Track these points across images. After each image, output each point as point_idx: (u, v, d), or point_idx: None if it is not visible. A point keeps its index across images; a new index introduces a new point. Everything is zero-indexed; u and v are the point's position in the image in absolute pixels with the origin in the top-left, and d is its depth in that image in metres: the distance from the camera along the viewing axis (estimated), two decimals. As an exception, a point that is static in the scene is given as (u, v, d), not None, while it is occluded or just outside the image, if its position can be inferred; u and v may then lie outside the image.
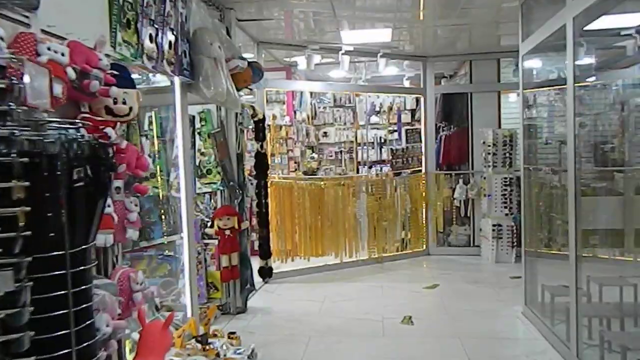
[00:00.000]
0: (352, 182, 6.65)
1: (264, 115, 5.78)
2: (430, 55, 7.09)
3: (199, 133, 4.58)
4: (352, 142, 8.47)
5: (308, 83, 6.41)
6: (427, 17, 5.38)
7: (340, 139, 9.39)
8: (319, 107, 9.60)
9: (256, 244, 6.00)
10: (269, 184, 5.87)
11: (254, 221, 5.70)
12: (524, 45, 4.31)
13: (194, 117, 4.58)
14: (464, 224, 7.38)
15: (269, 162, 5.94)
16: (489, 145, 6.68)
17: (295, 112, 7.72)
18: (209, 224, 4.55)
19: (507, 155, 6.64)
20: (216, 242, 4.55)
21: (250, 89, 4.72)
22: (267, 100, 7.51)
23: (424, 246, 7.28)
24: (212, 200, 4.57)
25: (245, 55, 4.48)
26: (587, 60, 4.71)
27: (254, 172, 5.87)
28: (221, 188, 4.58)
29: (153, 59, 2.91)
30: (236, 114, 4.62)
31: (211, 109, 4.58)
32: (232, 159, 4.61)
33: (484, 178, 6.88)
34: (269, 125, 6.27)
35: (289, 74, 7.65)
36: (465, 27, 5.84)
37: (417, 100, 9.32)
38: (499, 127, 7.13)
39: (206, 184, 4.55)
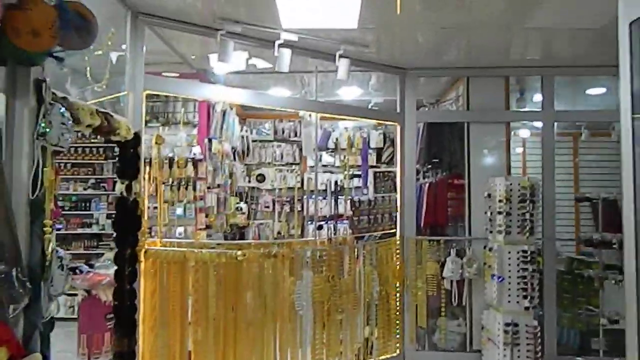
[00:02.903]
0: (291, 252, 4.26)
1: (136, 136, 3.41)
2: (412, 67, 5.03)
3: None
4: (296, 188, 6.15)
5: (224, 89, 4.09)
6: (408, 12, 3.37)
7: (281, 183, 7.08)
8: (254, 141, 7.33)
9: None
10: (140, 256, 3.42)
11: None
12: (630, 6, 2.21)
13: None
14: (457, 316, 5.14)
15: (143, 217, 3.49)
16: (500, 201, 4.55)
17: (210, 141, 5.37)
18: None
19: (527, 217, 4.51)
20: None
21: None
22: (152, 114, 5.16)
23: (398, 350, 4.95)
24: (-42, 306, 2.03)
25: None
26: None
27: (114, 234, 3.44)
28: (-19, 278, 2.06)
29: None
30: (37, 115, 2.22)
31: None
32: (9, 211, 2.14)
33: (490, 249, 4.71)
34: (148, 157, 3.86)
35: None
36: (463, 28, 3.86)
37: (385, 136, 7.28)
38: (509, 173, 5.06)
39: (-56, 267, 2.03)
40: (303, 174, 6.67)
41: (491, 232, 4.73)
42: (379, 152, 7.19)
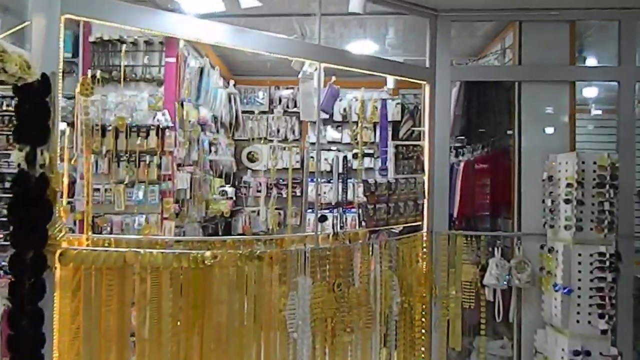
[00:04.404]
0: (282, 251, 3.14)
1: (45, 79, 2.30)
2: (445, 8, 3.87)
3: None
4: (290, 169, 4.98)
5: (189, 21, 2.87)
6: None
7: (277, 163, 5.95)
8: (244, 112, 6.20)
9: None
10: (52, 260, 2.32)
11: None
12: None
13: None
14: (501, 336, 4.05)
15: (56, 201, 2.37)
16: (569, 185, 3.40)
17: (181, 104, 4.21)
18: None
19: (607, 208, 3.37)
20: None
21: None
22: (105, 68, 4.04)
23: (423, 378, 3.84)
24: None
25: None
26: None
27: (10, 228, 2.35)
28: None
29: None
30: None
31: None
32: None
33: (549, 250, 3.59)
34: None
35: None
36: None
37: (403, 108, 6.13)
38: (573, 149, 3.90)
39: None
40: (303, 150, 5.55)
41: (552, 226, 3.60)
42: (396, 126, 6.03)
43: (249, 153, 6.19)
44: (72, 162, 2.70)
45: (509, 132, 4.05)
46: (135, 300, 2.63)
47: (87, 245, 2.58)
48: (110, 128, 3.89)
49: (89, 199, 2.67)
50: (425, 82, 3.95)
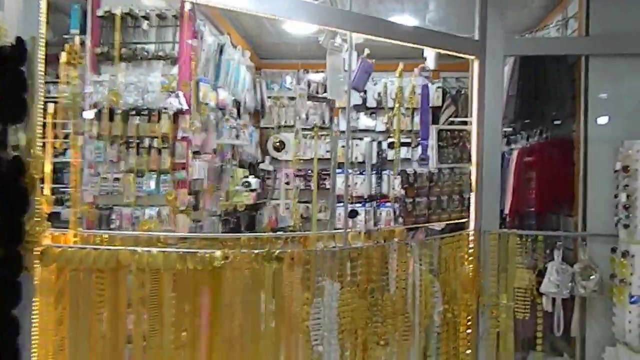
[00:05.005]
0: (306, 251, 2.73)
1: (19, 43, 1.95)
2: (499, -30, 3.36)
3: None
4: (316, 159, 4.55)
5: None
6: None
7: (305, 153, 5.55)
8: (270, 97, 5.82)
9: None
10: (30, 260, 1.97)
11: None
12: None
13: None
14: (561, 352, 3.55)
15: (33, 191, 2.01)
16: (651, 177, 2.87)
17: (197, 84, 3.83)
18: None
19: (699, 203, 2.82)
20: None
21: None
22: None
23: (469, 399, 3.38)
24: None
25: None
26: None
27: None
28: None
29: None
30: None
31: None
32: None
33: (623, 254, 3.06)
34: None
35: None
36: None
37: (444, 93, 5.62)
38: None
39: None
40: (334, 139, 5.11)
41: (626, 226, 3.07)
42: (435, 113, 5.52)
43: (276, 141, 5.81)
44: (58, 145, 2.35)
45: (572, 115, 3.52)
46: (132, 306, 2.27)
47: (75, 242, 2.23)
48: (119, 111, 3.56)
49: (76, 188, 2.33)
50: (473, 58, 3.46)
